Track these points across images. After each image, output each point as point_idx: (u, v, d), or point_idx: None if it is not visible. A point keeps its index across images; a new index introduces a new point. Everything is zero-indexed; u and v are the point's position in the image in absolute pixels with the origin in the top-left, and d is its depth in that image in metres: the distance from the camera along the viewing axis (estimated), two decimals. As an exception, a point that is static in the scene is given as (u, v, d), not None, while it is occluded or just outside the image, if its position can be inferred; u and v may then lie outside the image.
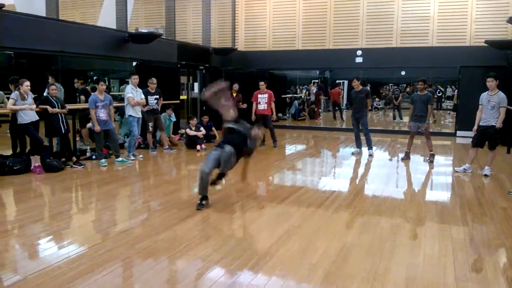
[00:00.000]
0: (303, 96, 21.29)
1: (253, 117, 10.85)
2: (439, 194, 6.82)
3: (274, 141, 10.99)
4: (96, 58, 11.39)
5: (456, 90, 16.62)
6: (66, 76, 11.90)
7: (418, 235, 4.84)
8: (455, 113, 15.59)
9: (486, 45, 11.73)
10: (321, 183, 7.47)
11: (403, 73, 19.81)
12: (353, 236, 4.74)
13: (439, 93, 23.22)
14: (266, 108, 10.77)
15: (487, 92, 7.71)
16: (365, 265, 3.89)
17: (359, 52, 14.12)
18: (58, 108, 8.03)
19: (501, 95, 7.58)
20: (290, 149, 11.53)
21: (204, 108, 14.16)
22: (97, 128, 8.34)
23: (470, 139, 8.23)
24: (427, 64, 13.67)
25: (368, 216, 5.43)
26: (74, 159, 8.34)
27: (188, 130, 10.73)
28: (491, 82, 7.60)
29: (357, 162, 9.31)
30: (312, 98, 20.79)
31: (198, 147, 10.42)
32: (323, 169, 9.05)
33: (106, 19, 11.91)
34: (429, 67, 14.47)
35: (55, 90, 8.11)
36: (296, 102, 19.70)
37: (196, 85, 14.61)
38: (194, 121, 10.86)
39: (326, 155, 10.87)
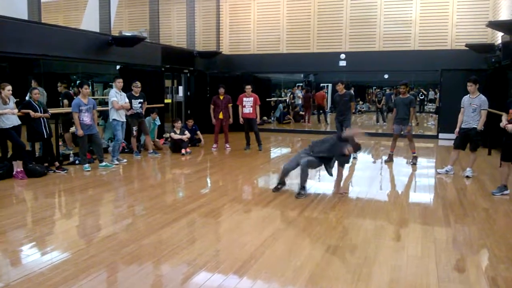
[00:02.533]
0: (287, 100, 21.37)
1: (241, 120, 10.90)
2: (422, 195, 6.90)
3: (259, 145, 11.03)
4: (80, 61, 11.30)
5: (438, 93, 16.85)
6: (49, 80, 11.77)
7: (401, 237, 4.90)
8: (437, 115, 15.79)
9: (466, 48, 11.92)
10: (306, 186, 7.49)
11: (386, 76, 20.04)
12: (337, 238, 4.77)
13: (421, 96, 23.53)
14: (251, 111, 10.82)
15: (468, 95, 7.85)
16: (349, 267, 3.93)
17: (342, 56, 14.24)
18: (41, 112, 7.94)
19: (482, 98, 7.72)
20: (275, 152, 11.57)
21: (189, 111, 14.15)
22: (80, 132, 8.27)
23: (452, 141, 8.36)
24: (410, 67, 13.86)
25: (352, 218, 5.48)
26: (57, 164, 8.26)
27: (172, 134, 10.70)
28: (470, 86, 7.75)
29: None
30: (297, 101, 20.86)
31: (183, 150, 10.39)
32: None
33: (90, 22, 11.83)
34: (411, 71, 14.67)
35: (37, 94, 8.02)
36: (281, 105, 19.76)
37: (180, 88, 14.56)
38: (178, 125, 10.84)
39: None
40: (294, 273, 3.79)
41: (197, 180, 7.95)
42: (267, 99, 18.68)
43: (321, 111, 19.44)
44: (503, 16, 11.30)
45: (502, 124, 6.38)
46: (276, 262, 4.06)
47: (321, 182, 8.09)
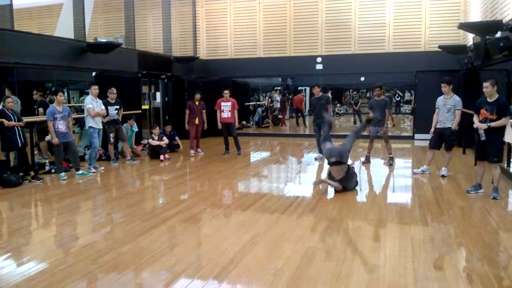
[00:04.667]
0: (266, 104, 21.46)
1: (219, 125, 10.90)
2: (399, 195, 7.00)
3: (238, 149, 11.03)
4: (54, 69, 11.12)
5: (413, 94, 17.12)
6: (24, 88, 11.56)
7: (379, 237, 4.96)
8: (413, 116, 16.04)
9: (440, 50, 12.15)
10: (285, 189, 7.54)
11: (362, 78, 20.28)
12: (316, 240, 4.81)
13: (397, 97, 23.88)
14: (229, 116, 10.82)
15: (443, 95, 8.00)
16: (328, 268, 3.96)
17: (319, 59, 14.37)
18: (15, 121, 7.80)
19: (456, 98, 7.89)
20: (254, 156, 11.58)
21: (167, 117, 14.07)
22: (55, 140, 8.15)
23: (428, 142, 8.50)
24: (385, 69, 14.05)
25: (331, 220, 5.52)
26: (32, 173, 8.11)
27: (150, 140, 10.62)
28: (444, 87, 7.91)
29: (320, 167, 9.44)
30: (275, 105, 20.98)
31: (162, 157, 10.32)
32: (288, 175, 9.13)
33: (64, 29, 11.67)
34: (386, 73, 14.87)
35: (11, 102, 7.88)
36: (259, 109, 19.84)
37: (158, 94, 14.49)
38: (156, 131, 10.77)
39: (290, 161, 10.98)
40: (274, 276, 3.80)
41: (176, 186, 7.91)
42: (246, 104, 18.73)
43: (299, 114, 19.58)
44: (474, 17, 11.57)
45: (476, 125, 6.48)
46: (256, 266, 4.06)
47: (300, 184, 8.13)
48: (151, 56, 13.50)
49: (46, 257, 4.40)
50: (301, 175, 9.12)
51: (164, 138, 10.78)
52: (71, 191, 7.42)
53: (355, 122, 19.19)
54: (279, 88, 23.27)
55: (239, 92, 16.89)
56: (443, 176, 7.99)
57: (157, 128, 10.98)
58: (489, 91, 6.34)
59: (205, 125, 11.22)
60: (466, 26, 9.41)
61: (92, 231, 5.36)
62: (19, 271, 4.06)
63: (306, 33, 14.63)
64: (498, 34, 8.06)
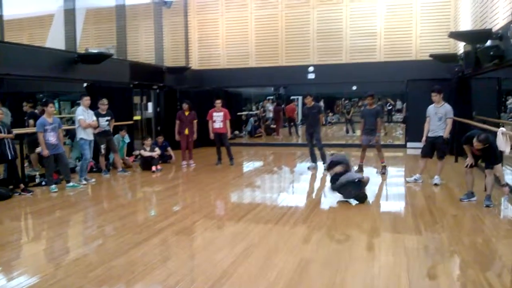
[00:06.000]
0: (258, 113, 21.46)
1: (211, 135, 10.85)
2: (392, 204, 7.00)
3: (231, 159, 10.99)
4: (45, 80, 11.07)
5: (405, 103, 17.18)
6: (14, 100, 11.48)
7: (373, 246, 4.94)
8: (404, 125, 16.10)
9: (431, 58, 12.22)
10: (278, 199, 7.51)
11: (354, 88, 20.36)
12: (310, 250, 4.77)
13: (389, 106, 23.97)
14: (222, 126, 10.78)
15: (433, 104, 8.03)
16: (322, 279, 3.92)
17: (311, 69, 14.41)
18: (4, 133, 7.71)
19: (447, 106, 7.92)
20: (247, 166, 11.54)
21: (159, 128, 14.00)
22: (46, 152, 8.06)
23: (420, 150, 8.52)
24: (376, 78, 14.09)
25: (324, 230, 5.49)
26: (22, 186, 8.00)
27: (142, 151, 10.56)
28: (435, 96, 7.95)
29: (313, 177, 9.43)
30: (268, 114, 20.98)
31: (154, 168, 10.25)
32: (280, 185, 9.09)
33: (55, 40, 11.62)
34: (378, 82, 14.93)
35: (1, 114, 7.80)
36: (252, 119, 19.82)
37: (150, 105, 14.42)
38: (148, 142, 10.71)
39: (283, 170, 10.95)
40: (267, 288, 3.76)
41: (168, 197, 7.84)
42: (238, 113, 18.71)
43: (292, 124, 19.58)
44: (464, 26, 11.67)
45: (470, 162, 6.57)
46: (249, 278, 4.02)
47: (293, 194, 8.10)
48: (143, 66, 13.46)
49: (37, 271, 4.33)
50: (294, 185, 9.09)
51: (156, 149, 10.72)
52: (62, 204, 7.33)
53: (347, 131, 19.22)
54: (272, 97, 23.30)
55: (232, 102, 16.88)
56: (436, 184, 7.99)
57: (149, 139, 10.91)
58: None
59: (194, 135, 11.08)
60: (457, 35, 9.50)
61: (83, 244, 5.29)
62: (9, 286, 3.99)
63: (298, 42, 14.67)
64: (488, 43, 8.13)
